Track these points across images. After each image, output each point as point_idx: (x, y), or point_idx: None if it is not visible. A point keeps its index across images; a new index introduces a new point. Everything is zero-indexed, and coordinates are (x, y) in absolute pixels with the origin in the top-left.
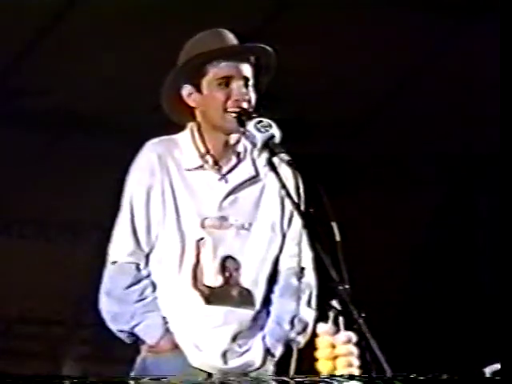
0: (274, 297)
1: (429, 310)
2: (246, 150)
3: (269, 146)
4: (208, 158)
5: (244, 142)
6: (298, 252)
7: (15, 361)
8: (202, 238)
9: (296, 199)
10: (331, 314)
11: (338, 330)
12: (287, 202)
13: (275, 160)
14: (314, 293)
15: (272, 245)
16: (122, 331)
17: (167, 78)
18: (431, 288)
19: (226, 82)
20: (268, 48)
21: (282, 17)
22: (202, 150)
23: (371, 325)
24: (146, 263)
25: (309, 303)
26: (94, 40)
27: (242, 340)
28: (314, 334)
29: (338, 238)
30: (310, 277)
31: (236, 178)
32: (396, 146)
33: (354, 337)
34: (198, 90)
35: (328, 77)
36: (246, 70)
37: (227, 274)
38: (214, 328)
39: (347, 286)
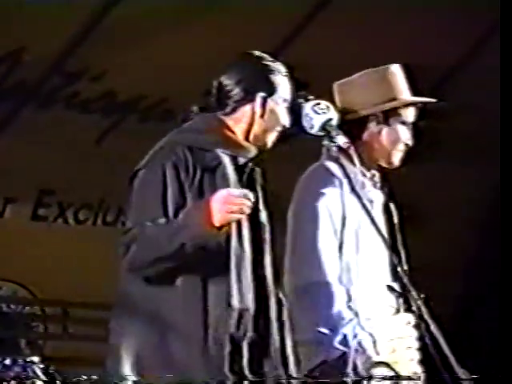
0: None
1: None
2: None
3: (326, 128)
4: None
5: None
6: None
7: (72, 345)
8: None
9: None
10: (391, 296)
11: (397, 312)
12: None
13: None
14: None
15: None
16: None
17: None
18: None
19: (407, 124)
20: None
21: None
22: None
23: (430, 307)
24: None
25: None
26: (148, 25)
27: None
28: (374, 316)
29: (396, 219)
30: None
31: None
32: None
33: (413, 318)
34: (386, 120)
35: None
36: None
37: None
38: None
39: (406, 268)
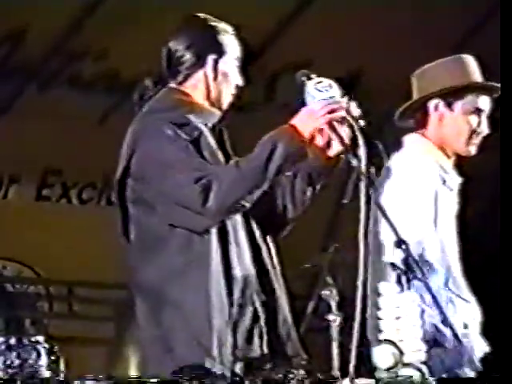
0: None
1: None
2: None
3: None
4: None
5: None
6: None
7: (77, 324)
8: None
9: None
10: (394, 274)
11: (401, 290)
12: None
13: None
14: None
15: None
16: None
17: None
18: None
19: (479, 112)
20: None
21: None
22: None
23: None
24: None
25: None
26: (150, 5)
27: None
28: (378, 294)
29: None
30: None
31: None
32: None
33: (417, 297)
34: (450, 107)
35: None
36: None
37: None
38: None
39: (410, 246)
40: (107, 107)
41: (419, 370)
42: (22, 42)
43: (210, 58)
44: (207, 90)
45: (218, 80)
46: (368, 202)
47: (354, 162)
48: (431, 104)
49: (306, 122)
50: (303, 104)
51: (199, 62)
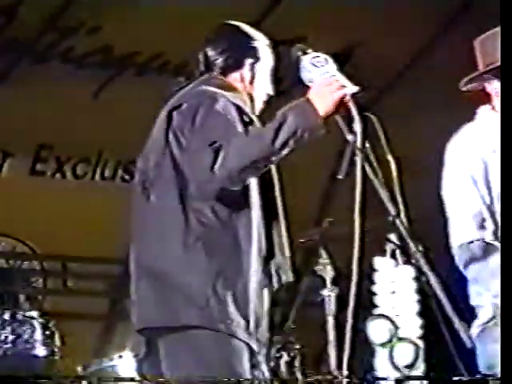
0: None
1: None
2: None
3: None
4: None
5: None
6: None
7: (72, 300)
8: None
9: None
10: (389, 249)
11: (396, 265)
12: None
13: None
14: None
15: None
16: None
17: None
18: None
19: None
20: None
21: None
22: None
23: (430, 259)
24: None
25: None
26: None
27: None
28: (373, 269)
29: (394, 171)
30: None
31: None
32: None
33: (412, 271)
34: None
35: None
36: None
37: None
38: None
39: (404, 220)
40: (101, 82)
41: (415, 344)
42: (16, 16)
43: (248, 62)
44: (244, 90)
45: (253, 84)
46: (363, 177)
47: (350, 137)
48: (486, 79)
49: (322, 96)
50: (298, 79)
51: (236, 64)
